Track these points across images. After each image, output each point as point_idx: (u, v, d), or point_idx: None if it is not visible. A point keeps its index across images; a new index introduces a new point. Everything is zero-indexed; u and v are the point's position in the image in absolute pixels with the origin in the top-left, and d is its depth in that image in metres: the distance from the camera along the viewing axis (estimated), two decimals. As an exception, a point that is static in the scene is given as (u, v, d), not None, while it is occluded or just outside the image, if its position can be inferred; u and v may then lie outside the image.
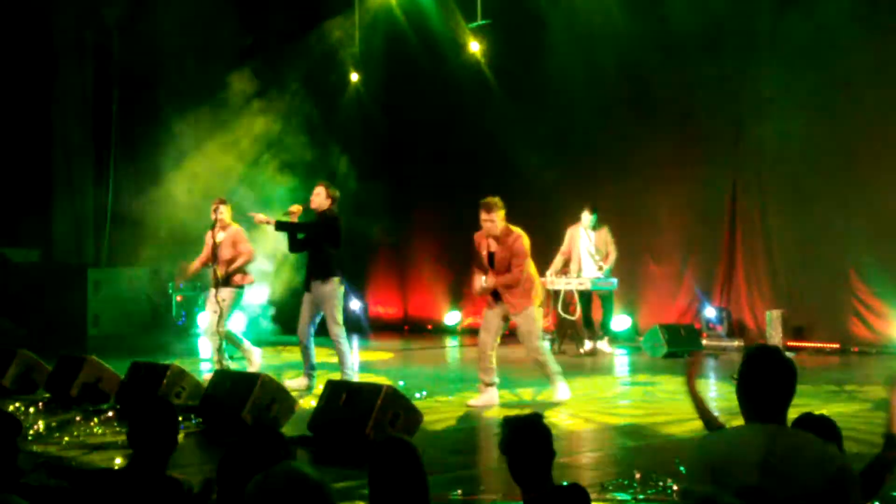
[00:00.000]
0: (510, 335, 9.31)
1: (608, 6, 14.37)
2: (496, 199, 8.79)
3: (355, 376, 9.74)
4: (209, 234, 10.45)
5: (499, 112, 15.92)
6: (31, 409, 8.61)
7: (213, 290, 10.25)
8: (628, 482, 5.68)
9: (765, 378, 3.40)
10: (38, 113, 17.15)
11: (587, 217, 12.97)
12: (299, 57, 16.74)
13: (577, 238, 13.10)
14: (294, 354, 13.17)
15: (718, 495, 3.07)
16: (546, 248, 13.39)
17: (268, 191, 14.79)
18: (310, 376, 9.81)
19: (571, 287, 12.83)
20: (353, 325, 17.26)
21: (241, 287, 10.48)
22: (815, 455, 3.25)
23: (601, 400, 9.11)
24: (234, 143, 15.38)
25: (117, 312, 16.44)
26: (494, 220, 8.69)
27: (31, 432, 7.51)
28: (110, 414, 8.23)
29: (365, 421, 6.74)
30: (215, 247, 10.32)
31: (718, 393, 9.18)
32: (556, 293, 12.99)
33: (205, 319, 10.89)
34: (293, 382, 9.61)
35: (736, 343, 12.91)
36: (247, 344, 10.79)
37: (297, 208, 9.77)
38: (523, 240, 8.71)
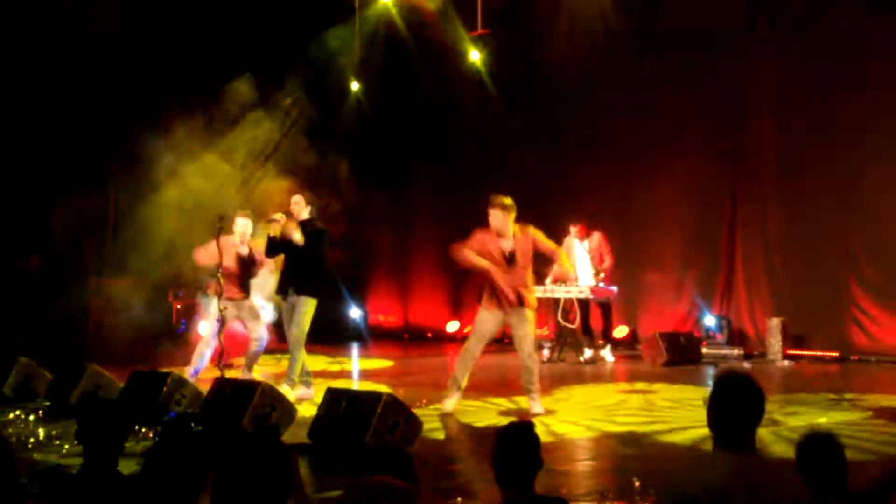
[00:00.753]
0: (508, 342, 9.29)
1: (607, 15, 14.41)
2: (508, 199, 8.80)
3: (298, 389, 9.55)
4: (228, 242, 10.25)
5: (499, 121, 15.98)
6: (32, 417, 8.62)
7: (223, 301, 10.09)
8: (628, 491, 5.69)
9: (734, 404, 3.46)
10: (39, 122, 17.14)
11: (573, 230, 13.02)
12: (300, 65, 16.76)
13: (573, 247, 13.13)
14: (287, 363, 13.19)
15: None
16: (546, 257, 13.42)
17: (267, 198, 14.79)
18: (307, 383, 9.78)
19: (571, 295, 12.85)
20: (354, 333, 17.32)
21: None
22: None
23: (600, 408, 9.11)
24: (234, 151, 15.39)
25: (118, 320, 16.42)
26: (507, 220, 8.67)
27: (32, 440, 7.52)
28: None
29: (365, 429, 6.75)
30: (239, 258, 10.28)
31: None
32: (556, 301, 13.00)
33: (205, 327, 10.81)
34: (296, 393, 9.56)
35: (736, 351, 12.93)
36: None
37: (281, 216, 9.60)
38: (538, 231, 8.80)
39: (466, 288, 16.54)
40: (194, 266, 11.45)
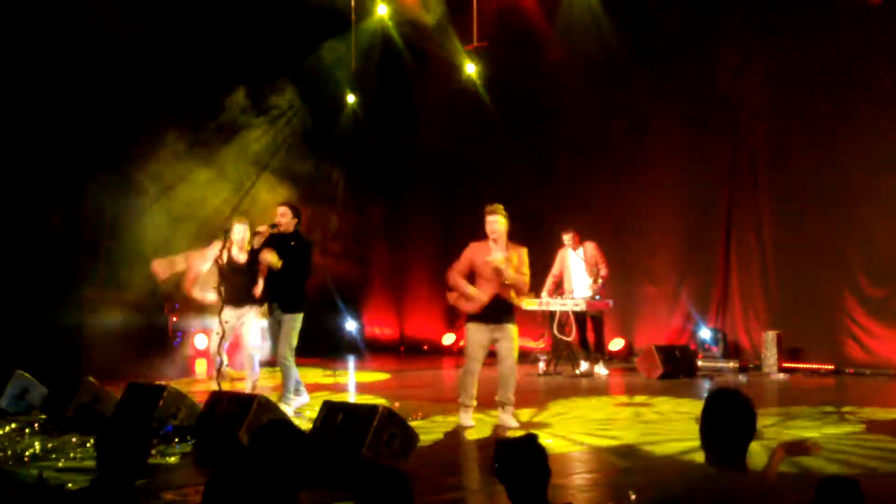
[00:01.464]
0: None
1: (602, 27, 14.49)
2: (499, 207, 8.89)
3: (294, 402, 9.46)
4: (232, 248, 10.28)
5: (495, 133, 16.02)
6: (28, 431, 8.61)
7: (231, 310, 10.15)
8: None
9: (725, 421, 3.49)
10: (32, 132, 17.15)
11: (566, 238, 13.05)
12: (296, 78, 16.80)
13: (568, 259, 13.15)
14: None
15: None
16: (542, 270, 13.47)
17: (263, 211, 14.81)
18: (298, 391, 9.73)
19: (567, 308, 12.86)
20: (350, 346, 17.32)
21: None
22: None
23: (596, 421, 9.12)
24: (231, 163, 15.41)
25: (113, 333, 16.41)
26: (502, 226, 8.72)
27: (28, 454, 7.51)
28: (101, 437, 8.19)
29: (361, 442, 6.76)
30: (236, 264, 10.26)
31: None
32: (552, 314, 13.02)
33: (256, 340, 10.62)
34: (293, 405, 9.53)
35: (731, 364, 12.95)
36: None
37: (265, 229, 9.48)
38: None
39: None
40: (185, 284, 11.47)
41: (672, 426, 8.63)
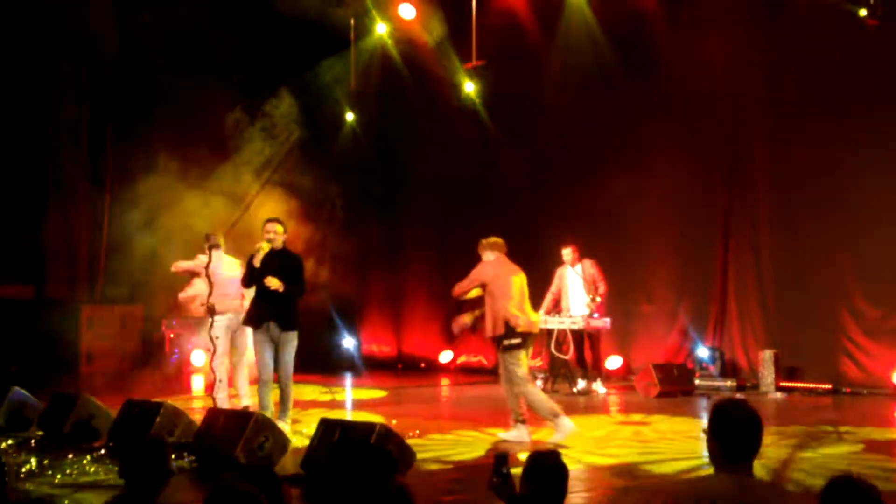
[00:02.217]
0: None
1: (599, 45, 14.54)
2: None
3: (289, 421, 9.36)
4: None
5: (493, 152, 16.07)
6: (24, 447, 8.59)
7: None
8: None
9: (732, 430, 3.53)
10: (32, 149, 17.20)
11: (565, 253, 13.06)
12: (295, 96, 16.86)
13: (566, 277, 13.16)
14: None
15: None
16: (540, 288, 13.47)
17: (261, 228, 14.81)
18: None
19: (565, 326, 12.86)
20: (347, 363, 17.30)
21: None
22: None
23: (594, 439, 9.10)
24: (228, 181, 15.44)
25: (110, 349, 16.40)
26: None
27: (24, 470, 7.49)
28: (103, 452, 8.20)
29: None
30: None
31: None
32: (550, 332, 13.01)
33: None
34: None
35: (729, 383, 12.92)
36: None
37: (267, 246, 9.36)
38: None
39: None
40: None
41: (670, 445, 8.62)
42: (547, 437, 8.92)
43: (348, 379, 15.91)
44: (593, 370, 13.14)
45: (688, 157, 13.97)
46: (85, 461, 7.82)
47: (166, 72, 16.68)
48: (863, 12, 11.44)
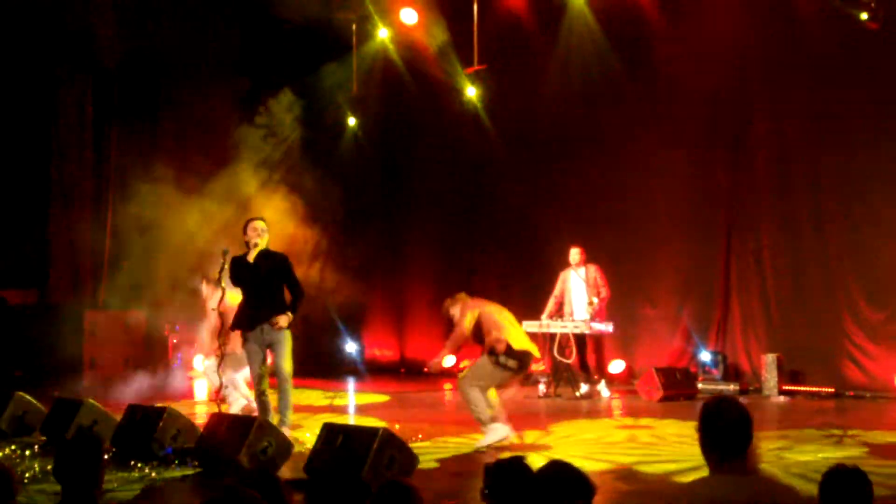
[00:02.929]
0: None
1: (602, 50, 14.56)
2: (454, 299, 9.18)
3: (289, 423, 9.12)
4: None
5: (495, 156, 16.08)
6: (27, 452, 8.60)
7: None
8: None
9: (722, 426, 3.54)
10: (35, 154, 17.24)
11: (573, 253, 13.07)
12: (297, 101, 16.88)
13: (569, 281, 13.17)
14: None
15: None
16: (542, 292, 13.49)
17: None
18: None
19: (567, 330, 12.86)
20: (350, 368, 17.32)
21: None
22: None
23: (596, 443, 9.11)
24: (230, 186, 15.45)
25: (113, 355, 16.41)
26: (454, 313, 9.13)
27: (28, 476, 7.50)
28: (106, 457, 8.19)
29: (361, 464, 6.76)
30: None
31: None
32: (552, 336, 13.01)
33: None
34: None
35: (732, 387, 12.92)
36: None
37: (263, 242, 9.08)
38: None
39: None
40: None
41: (672, 449, 8.62)
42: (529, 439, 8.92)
43: (351, 383, 15.91)
44: (597, 373, 13.15)
45: (690, 160, 13.96)
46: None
47: (169, 77, 16.71)
48: (864, 15, 11.44)
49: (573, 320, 12.91)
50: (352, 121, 17.79)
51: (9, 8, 15.31)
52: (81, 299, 17.05)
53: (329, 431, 7.41)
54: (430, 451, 8.52)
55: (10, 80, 16.22)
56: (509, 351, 8.77)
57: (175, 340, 16.47)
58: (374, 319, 18.33)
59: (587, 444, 9.02)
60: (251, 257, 9.06)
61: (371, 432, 7.05)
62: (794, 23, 12.80)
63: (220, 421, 8.19)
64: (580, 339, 12.98)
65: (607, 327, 13.04)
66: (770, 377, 12.51)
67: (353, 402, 13.44)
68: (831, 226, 12.61)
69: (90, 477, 3.93)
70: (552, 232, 15.06)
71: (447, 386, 15.17)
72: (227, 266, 9.05)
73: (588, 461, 8.08)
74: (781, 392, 12.42)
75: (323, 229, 16.72)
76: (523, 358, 8.91)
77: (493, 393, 8.88)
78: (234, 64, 16.53)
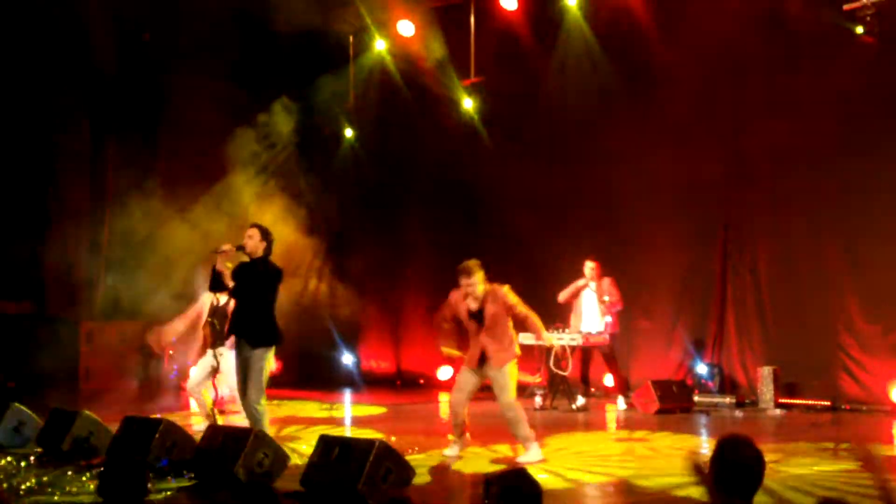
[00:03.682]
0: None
1: (598, 63, 14.60)
2: (473, 262, 8.91)
3: None
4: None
5: (492, 168, 16.09)
6: (23, 464, 8.59)
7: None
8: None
9: (736, 468, 3.57)
10: (33, 166, 17.23)
11: (589, 267, 13.10)
12: (294, 112, 16.90)
13: (582, 293, 13.20)
14: (284, 409, 13.17)
15: None
16: (534, 303, 13.46)
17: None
18: None
19: (564, 342, 12.86)
20: (346, 380, 17.30)
21: None
22: None
23: (591, 456, 9.11)
24: (228, 199, 15.45)
25: (109, 366, 16.38)
26: (475, 282, 8.82)
27: (24, 487, 7.49)
28: (102, 469, 8.17)
29: (357, 476, 6.75)
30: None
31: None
32: (549, 349, 13.00)
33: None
34: None
35: (728, 400, 12.95)
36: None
37: (229, 247, 8.81)
38: (511, 291, 8.89)
39: (459, 336, 16.53)
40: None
41: (668, 462, 8.61)
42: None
43: (347, 395, 15.90)
44: (622, 386, 13.25)
45: (686, 173, 13.97)
46: (84, 478, 7.81)
47: (168, 88, 16.73)
48: (859, 29, 11.49)
49: (580, 332, 12.94)
50: (349, 132, 17.81)
51: (7, 22, 15.34)
52: (77, 310, 17.02)
53: (325, 443, 7.41)
54: (426, 463, 8.51)
55: (8, 94, 16.22)
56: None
57: (171, 352, 16.44)
58: (371, 331, 18.31)
59: (584, 457, 9.02)
60: (222, 260, 8.79)
61: (367, 445, 7.04)
62: (791, 35, 12.84)
63: (217, 433, 8.17)
64: (586, 352, 13.02)
65: (603, 339, 13.06)
66: (766, 390, 12.51)
67: (350, 414, 13.43)
68: (827, 238, 12.63)
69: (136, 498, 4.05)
70: (549, 243, 15.08)
71: (443, 398, 15.16)
72: (217, 269, 8.82)
73: (585, 474, 8.08)
74: (777, 405, 12.42)
75: (319, 241, 16.73)
76: None
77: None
78: (232, 76, 16.54)
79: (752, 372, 13.12)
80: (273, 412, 12.24)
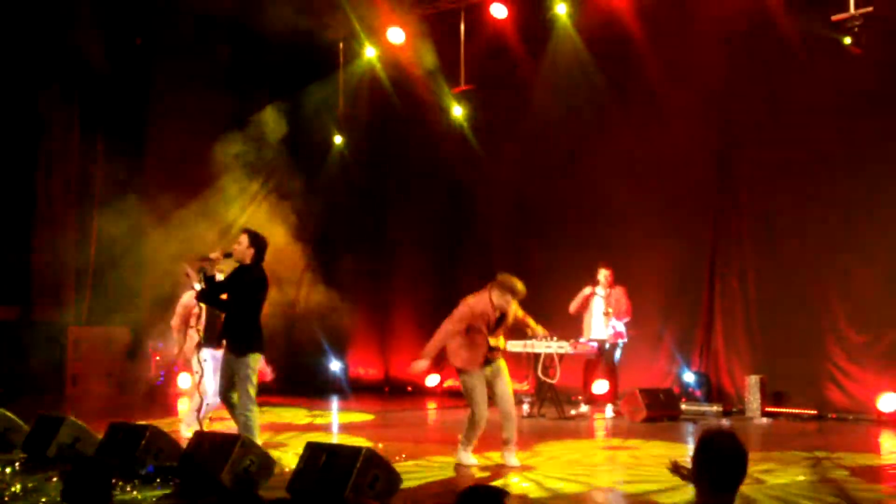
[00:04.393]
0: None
1: (588, 71, 14.63)
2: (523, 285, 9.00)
3: None
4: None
5: (481, 176, 16.13)
6: (8, 470, 8.53)
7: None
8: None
9: (719, 460, 3.56)
10: (20, 168, 17.17)
11: (603, 274, 13.13)
12: (283, 119, 16.89)
13: (592, 300, 13.21)
14: (268, 416, 13.14)
15: None
16: (528, 310, 13.47)
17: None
18: None
19: (551, 350, 12.87)
20: (334, 387, 17.27)
21: None
22: None
23: (580, 464, 9.10)
24: (216, 205, 15.44)
25: (96, 371, 16.33)
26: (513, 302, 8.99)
27: (8, 493, 7.45)
28: (66, 473, 8.12)
29: (344, 483, 6.74)
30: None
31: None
32: (536, 357, 13.01)
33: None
34: None
35: (715, 408, 12.98)
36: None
37: (217, 255, 8.79)
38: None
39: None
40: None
41: (653, 470, 8.61)
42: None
43: (335, 402, 15.87)
44: (611, 394, 13.28)
45: (674, 182, 14.04)
46: (69, 484, 7.76)
47: (157, 91, 16.71)
48: (847, 40, 11.55)
49: (556, 340, 12.93)
50: (338, 139, 17.81)
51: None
52: (65, 315, 16.96)
53: (312, 450, 7.38)
54: (413, 470, 8.50)
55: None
56: None
57: (159, 357, 16.42)
58: (359, 338, 18.29)
59: (571, 465, 9.01)
60: (215, 267, 8.82)
61: (355, 451, 7.03)
62: (779, 46, 12.91)
63: (204, 439, 8.14)
64: (590, 361, 13.23)
65: (591, 347, 13.09)
66: (753, 399, 12.55)
67: (337, 421, 13.40)
68: (815, 248, 12.69)
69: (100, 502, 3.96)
70: (537, 250, 15.11)
71: (431, 405, 15.18)
72: (209, 274, 8.77)
73: (572, 482, 8.08)
74: (764, 414, 12.46)
75: (308, 247, 16.71)
76: None
77: None
78: (222, 80, 16.53)
79: (739, 380, 13.16)
80: (260, 419, 12.22)
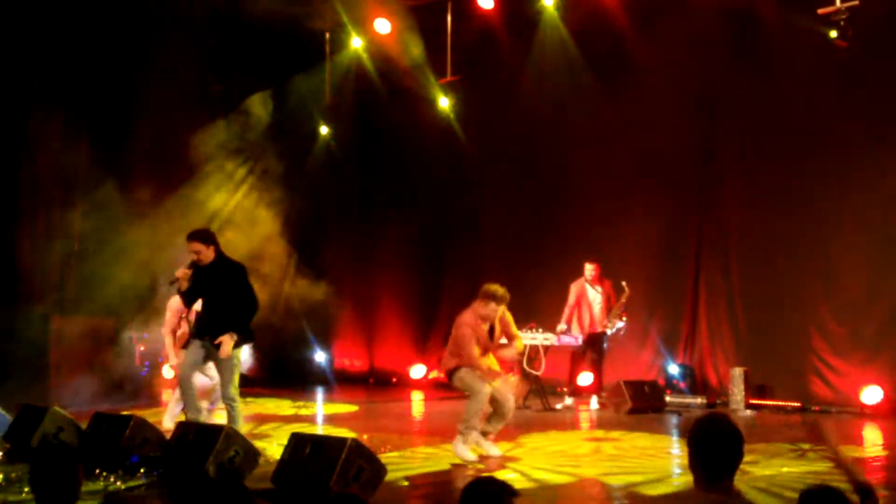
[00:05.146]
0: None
1: (574, 63, 14.63)
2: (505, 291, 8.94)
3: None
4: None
5: (467, 167, 16.13)
6: (-9, 460, 8.51)
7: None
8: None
9: (714, 445, 3.55)
10: (3, 161, 17.05)
11: (589, 269, 13.13)
12: (269, 109, 16.84)
13: (587, 294, 13.22)
14: (252, 407, 13.13)
15: None
16: (514, 303, 13.48)
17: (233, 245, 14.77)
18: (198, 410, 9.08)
19: (537, 342, 12.89)
20: (319, 378, 17.26)
21: None
22: None
23: (565, 455, 9.12)
24: (200, 197, 15.38)
25: (80, 362, 16.24)
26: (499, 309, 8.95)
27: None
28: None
29: (329, 474, 6.72)
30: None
31: (682, 451, 9.22)
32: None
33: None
34: None
35: (699, 400, 13.03)
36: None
37: (183, 273, 8.65)
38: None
39: (432, 333, 16.56)
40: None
41: (637, 462, 8.65)
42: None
43: (320, 393, 15.86)
44: (596, 386, 13.30)
45: (660, 176, 14.06)
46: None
47: (142, 84, 16.60)
48: (833, 34, 11.57)
49: (541, 332, 12.96)
50: (324, 129, 17.76)
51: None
52: (47, 305, 16.87)
53: (297, 441, 7.37)
54: (398, 461, 8.50)
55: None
56: None
57: (143, 348, 16.35)
58: (344, 329, 18.28)
59: (556, 456, 9.03)
60: (184, 285, 8.73)
61: (340, 442, 7.01)
62: (764, 41, 12.95)
63: (188, 429, 8.12)
64: (576, 353, 13.25)
65: (575, 339, 13.11)
66: (737, 391, 12.59)
67: (322, 412, 13.39)
68: (799, 242, 12.73)
69: (67, 489, 3.90)
70: (523, 243, 15.12)
71: (416, 396, 15.18)
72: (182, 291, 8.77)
73: (557, 473, 8.10)
74: (748, 406, 12.51)
75: (293, 238, 16.67)
76: None
77: None
78: (207, 71, 16.46)
79: (723, 373, 13.21)
80: (245, 410, 12.20)
